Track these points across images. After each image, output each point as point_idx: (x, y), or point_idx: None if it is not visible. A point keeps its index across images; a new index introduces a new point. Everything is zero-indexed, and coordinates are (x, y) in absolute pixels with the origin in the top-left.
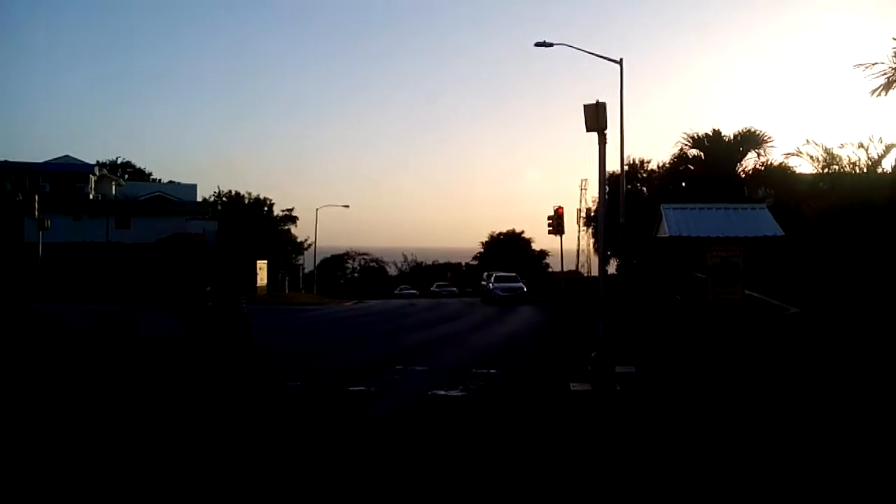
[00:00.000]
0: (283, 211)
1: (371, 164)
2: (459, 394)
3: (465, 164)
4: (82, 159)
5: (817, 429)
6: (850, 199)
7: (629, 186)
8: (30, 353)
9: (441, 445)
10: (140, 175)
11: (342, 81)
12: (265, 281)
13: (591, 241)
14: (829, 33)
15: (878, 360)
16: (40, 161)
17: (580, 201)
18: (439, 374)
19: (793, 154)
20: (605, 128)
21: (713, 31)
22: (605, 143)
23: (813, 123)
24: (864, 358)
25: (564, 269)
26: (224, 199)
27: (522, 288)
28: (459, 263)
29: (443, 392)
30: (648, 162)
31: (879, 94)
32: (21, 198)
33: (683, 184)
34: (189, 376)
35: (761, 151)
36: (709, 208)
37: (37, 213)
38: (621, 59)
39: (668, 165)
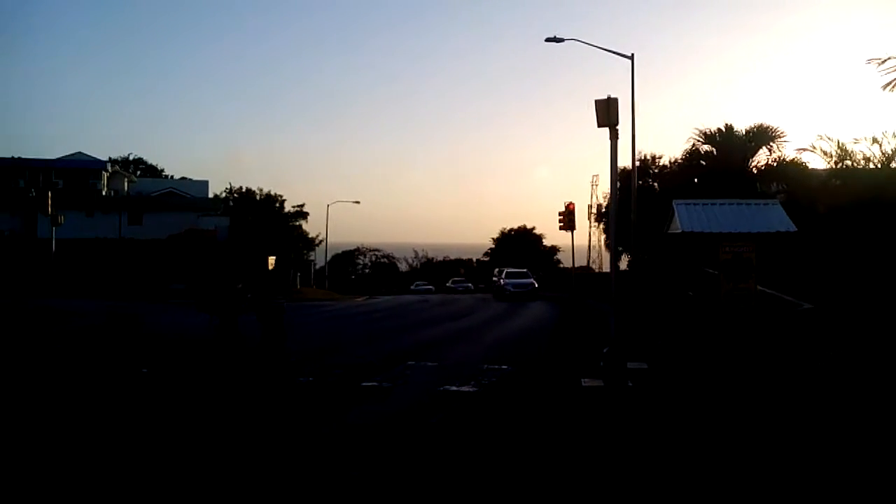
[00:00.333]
0: (294, 207)
1: (382, 161)
2: (471, 389)
3: (476, 160)
4: (95, 156)
5: (831, 426)
6: (864, 195)
7: (640, 182)
8: (50, 348)
9: (453, 441)
10: (152, 171)
11: (353, 77)
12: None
13: (603, 236)
14: (842, 28)
15: (893, 357)
16: (53, 158)
17: (591, 197)
18: (451, 370)
19: (805, 149)
20: (617, 123)
21: (725, 25)
22: (617, 138)
23: (826, 119)
24: (879, 355)
25: (575, 265)
26: (235, 195)
27: (534, 284)
28: (470, 259)
29: (455, 388)
30: (660, 157)
31: (892, 89)
32: (34, 194)
33: (695, 179)
34: (207, 371)
35: (774, 147)
36: (721, 204)
37: (50, 209)
38: (632, 55)
39: (679, 161)
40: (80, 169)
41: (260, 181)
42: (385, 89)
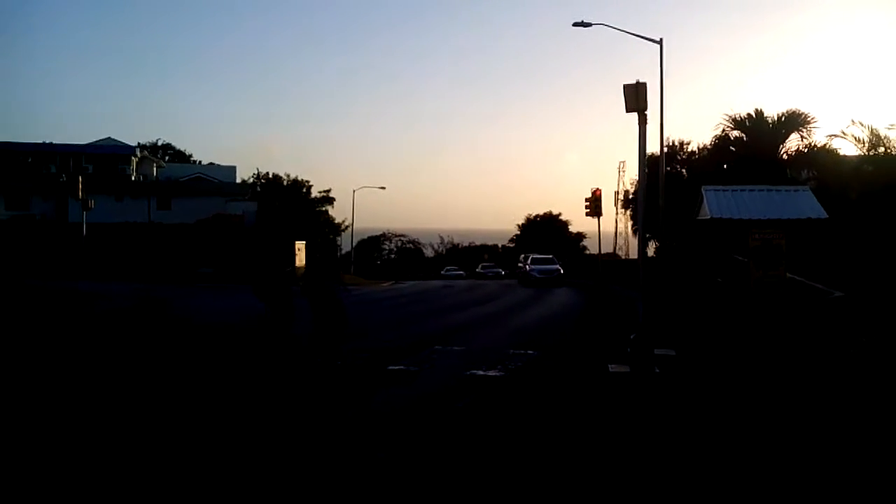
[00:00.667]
0: (320, 192)
1: (408, 147)
2: (498, 374)
3: (503, 145)
4: (124, 141)
5: (862, 415)
6: None
7: (668, 168)
8: (85, 329)
9: (480, 425)
10: (180, 157)
11: (380, 63)
12: (304, 262)
13: (629, 223)
14: (877, 11)
15: None
16: (83, 143)
17: (618, 183)
18: (478, 355)
19: (837, 135)
20: (645, 108)
21: (755, 9)
22: (646, 123)
23: (858, 104)
24: None
25: (602, 252)
26: (262, 180)
27: (559, 270)
28: (496, 245)
29: (481, 372)
30: (688, 143)
31: None
32: (65, 179)
33: (724, 165)
34: (243, 354)
35: (804, 133)
36: (751, 190)
37: (80, 193)
38: (661, 39)
39: (708, 147)
40: (109, 154)
41: (287, 167)
42: (412, 75)
